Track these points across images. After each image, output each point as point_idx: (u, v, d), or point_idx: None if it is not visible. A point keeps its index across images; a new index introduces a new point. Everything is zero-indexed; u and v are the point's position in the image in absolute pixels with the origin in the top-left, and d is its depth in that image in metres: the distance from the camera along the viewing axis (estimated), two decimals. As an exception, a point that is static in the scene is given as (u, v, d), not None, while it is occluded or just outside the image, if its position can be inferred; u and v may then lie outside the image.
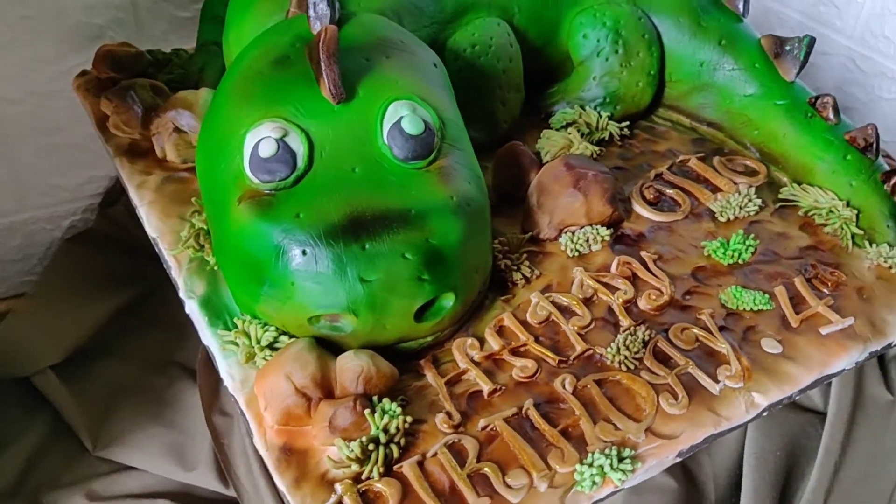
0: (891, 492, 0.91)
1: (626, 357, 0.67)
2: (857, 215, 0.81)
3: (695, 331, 0.70)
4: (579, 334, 0.69)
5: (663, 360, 0.68)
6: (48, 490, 0.88)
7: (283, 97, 0.65)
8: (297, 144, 0.63)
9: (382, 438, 0.58)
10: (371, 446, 0.58)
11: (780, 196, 0.85)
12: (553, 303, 0.71)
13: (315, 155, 0.64)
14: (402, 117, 0.65)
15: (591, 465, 0.59)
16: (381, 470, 0.58)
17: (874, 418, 0.90)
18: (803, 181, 0.86)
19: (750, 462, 0.85)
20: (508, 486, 0.58)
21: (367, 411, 0.59)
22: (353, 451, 0.58)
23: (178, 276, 0.73)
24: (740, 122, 0.91)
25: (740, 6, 0.92)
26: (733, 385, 0.66)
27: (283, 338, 0.65)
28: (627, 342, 0.67)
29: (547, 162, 0.81)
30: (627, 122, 0.92)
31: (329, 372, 0.61)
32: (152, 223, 0.78)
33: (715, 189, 0.85)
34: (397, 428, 0.59)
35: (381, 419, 0.59)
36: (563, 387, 0.65)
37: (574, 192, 0.76)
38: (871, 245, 0.79)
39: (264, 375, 0.62)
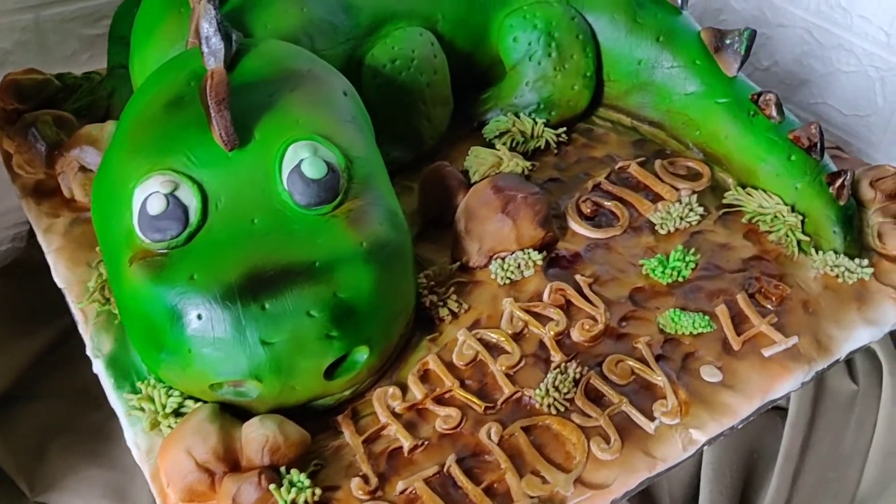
0: (852, 495, 0.88)
1: (555, 399, 0.63)
2: (803, 221, 0.77)
3: (630, 363, 0.66)
4: (507, 375, 0.65)
5: (596, 398, 0.64)
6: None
7: (173, 146, 0.60)
8: (189, 198, 0.59)
9: (290, 520, 0.55)
10: (285, 523, 0.55)
11: (724, 201, 0.81)
12: (481, 340, 0.68)
13: (210, 207, 0.59)
14: (301, 160, 0.60)
15: (513, 528, 0.56)
16: (292, 550, 0.55)
17: (835, 414, 0.87)
18: (748, 184, 0.82)
19: (707, 474, 0.82)
20: (424, 557, 0.55)
21: (272, 486, 0.55)
22: (262, 533, 0.54)
23: (84, 331, 0.69)
24: (681, 121, 0.86)
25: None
26: (669, 422, 0.63)
27: (189, 402, 0.61)
28: (557, 382, 0.64)
29: (475, 182, 0.77)
30: (564, 129, 0.88)
31: (234, 442, 0.58)
32: (59, 272, 0.74)
33: (656, 198, 0.81)
34: (305, 502, 0.56)
35: (289, 493, 0.56)
36: (489, 437, 0.61)
37: (503, 217, 0.72)
38: (817, 252, 0.75)
39: (166, 449, 0.58)
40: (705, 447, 0.63)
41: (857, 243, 0.76)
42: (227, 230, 0.59)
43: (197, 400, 0.61)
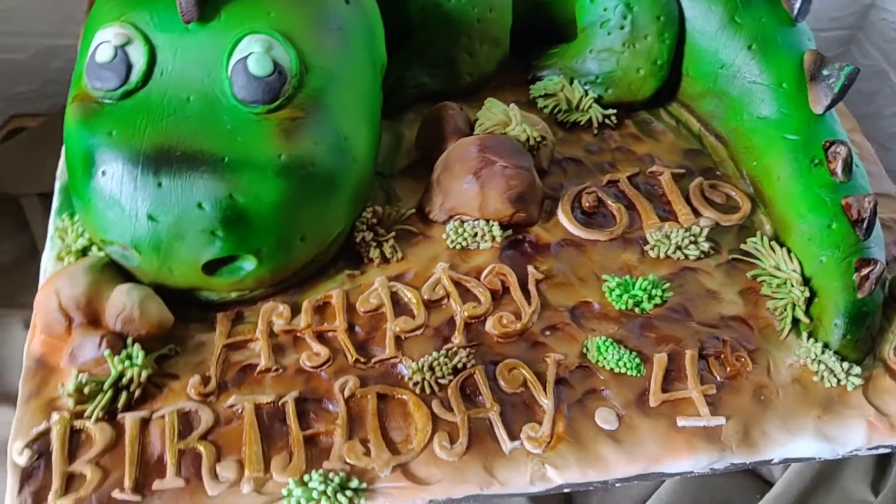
0: None
1: (425, 379, 0.60)
2: (811, 300, 0.66)
3: (525, 374, 0.61)
4: (397, 337, 0.62)
5: (470, 395, 0.60)
6: None
7: (144, 1, 0.60)
8: (138, 57, 0.59)
9: (109, 383, 0.56)
10: (105, 387, 0.56)
11: (743, 246, 0.71)
12: (393, 294, 0.65)
13: (154, 72, 0.59)
14: (250, 54, 0.58)
15: (305, 486, 0.54)
16: (101, 414, 0.56)
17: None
18: (780, 238, 0.71)
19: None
20: (214, 475, 0.55)
21: (107, 352, 0.57)
22: (79, 387, 0.56)
23: (62, 158, 0.72)
24: (743, 145, 0.76)
25: (796, 6, 0.75)
26: (531, 449, 0.58)
27: (95, 248, 0.63)
28: (435, 363, 0.60)
29: (479, 134, 0.72)
30: (615, 111, 0.79)
31: (101, 300, 0.59)
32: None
33: (668, 216, 0.73)
34: (132, 378, 0.57)
35: (121, 364, 0.57)
36: (341, 389, 0.59)
37: (472, 179, 0.67)
38: (808, 340, 0.65)
39: (46, 283, 0.60)
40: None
41: (859, 347, 0.64)
42: (160, 100, 0.59)
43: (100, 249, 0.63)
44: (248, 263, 0.60)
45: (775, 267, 0.69)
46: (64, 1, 1.08)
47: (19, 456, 0.54)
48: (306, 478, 0.54)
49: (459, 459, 0.57)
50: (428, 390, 0.60)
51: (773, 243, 0.70)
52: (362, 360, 0.61)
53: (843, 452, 0.62)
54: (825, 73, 0.71)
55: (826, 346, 0.64)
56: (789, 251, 0.69)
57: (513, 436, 0.58)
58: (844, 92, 0.71)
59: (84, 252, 0.63)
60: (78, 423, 0.56)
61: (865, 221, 0.66)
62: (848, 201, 0.67)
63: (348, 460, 0.56)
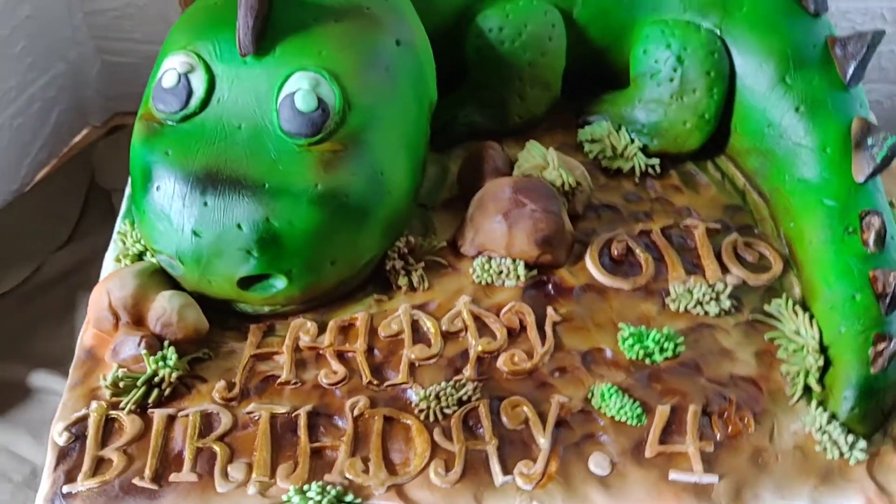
0: None
1: (431, 407, 0.63)
2: (826, 369, 0.66)
3: (528, 413, 0.64)
4: (411, 364, 0.66)
5: (471, 427, 0.63)
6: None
7: (208, 34, 0.66)
8: (198, 84, 0.65)
9: (143, 380, 0.62)
10: (138, 383, 0.62)
11: (766, 308, 0.72)
12: (414, 322, 0.69)
13: (212, 100, 0.65)
14: (298, 90, 0.63)
15: (303, 494, 0.58)
16: (134, 407, 0.62)
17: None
18: (807, 303, 0.71)
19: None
20: (225, 475, 0.60)
21: (145, 352, 0.63)
22: (115, 381, 0.62)
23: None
24: (783, 206, 0.76)
25: (849, 71, 0.75)
26: (521, 485, 0.61)
27: (149, 255, 0.69)
28: (442, 393, 0.64)
29: (515, 175, 0.75)
30: (658, 161, 0.81)
31: (146, 302, 0.65)
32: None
33: (695, 270, 0.74)
34: (163, 377, 0.62)
35: (155, 364, 0.62)
36: (351, 408, 0.63)
37: (501, 219, 0.70)
38: (816, 408, 0.65)
39: (101, 282, 0.67)
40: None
41: (868, 421, 0.64)
42: (215, 126, 0.64)
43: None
44: (280, 282, 0.65)
45: (795, 332, 0.69)
46: (170, 11, 1.17)
47: (59, 436, 0.61)
48: (306, 487, 0.59)
49: (451, 487, 0.60)
50: (432, 418, 0.63)
51: (797, 308, 0.70)
52: (375, 382, 0.65)
53: (834, 526, 0.62)
54: (870, 141, 0.71)
55: (833, 416, 0.64)
56: (812, 317, 0.69)
57: (506, 470, 0.61)
58: (887, 163, 0.71)
59: (140, 257, 0.70)
60: (113, 413, 0.62)
61: (889, 296, 0.65)
62: (875, 274, 0.67)
63: (348, 475, 0.60)
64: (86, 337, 0.67)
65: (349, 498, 0.59)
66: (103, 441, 0.61)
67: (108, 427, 0.62)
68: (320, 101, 0.63)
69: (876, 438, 0.65)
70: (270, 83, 0.64)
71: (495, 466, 0.61)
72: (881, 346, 0.64)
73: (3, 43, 1.13)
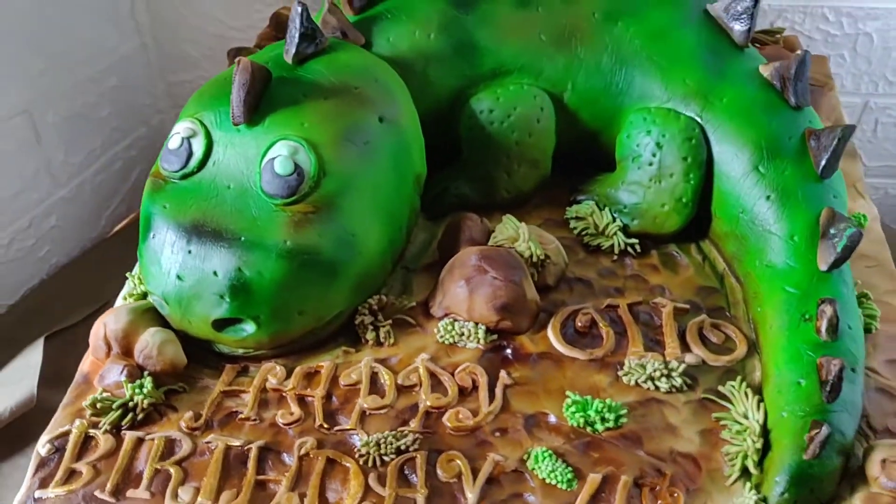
0: None
1: (371, 453, 0.68)
2: (765, 452, 0.67)
3: (461, 467, 0.67)
4: (363, 412, 0.71)
5: (404, 475, 0.67)
6: None
7: (214, 104, 0.75)
8: (198, 147, 0.74)
9: (116, 405, 0.70)
10: (114, 406, 0.70)
11: (719, 388, 0.73)
12: (374, 374, 0.74)
13: (208, 161, 0.73)
14: (278, 155, 0.71)
15: (237, 520, 0.64)
16: (109, 427, 0.69)
17: None
18: (763, 386, 0.72)
19: None
20: (175, 495, 0.66)
21: (125, 379, 0.70)
22: (94, 402, 0.70)
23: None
24: (753, 290, 0.78)
25: (821, 163, 0.76)
26: (442, 534, 0.64)
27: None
28: (383, 441, 0.68)
29: (490, 245, 0.80)
30: (637, 241, 0.84)
31: (136, 336, 0.73)
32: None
33: (654, 346, 0.76)
34: (137, 403, 0.70)
35: (131, 390, 0.70)
36: (300, 447, 0.69)
37: (464, 284, 0.75)
38: (750, 491, 0.66)
39: (102, 315, 0.76)
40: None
41: (800, 509, 0.64)
42: (209, 184, 0.73)
43: (154, 296, 0.77)
44: (249, 326, 0.72)
45: (743, 414, 0.70)
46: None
47: (42, 447, 0.69)
48: (242, 514, 0.64)
49: (373, 530, 0.64)
50: (370, 463, 0.67)
51: (749, 390, 0.71)
52: (326, 425, 0.70)
53: None
54: (832, 231, 0.72)
55: (765, 500, 0.65)
56: (761, 401, 0.70)
57: (428, 520, 0.65)
58: (848, 252, 0.72)
59: (144, 296, 0.79)
60: (92, 432, 0.70)
61: (830, 384, 0.66)
62: (821, 361, 0.67)
63: (284, 508, 0.65)
64: (84, 363, 0.75)
65: (279, 528, 0.64)
66: (79, 455, 0.68)
67: (86, 444, 0.69)
68: (297, 166, 0.71)
69: (812, 527, 0.65)
70: (258, 149, 0.72)
71: (419, 515, 0.65)
72: (815, 431, 0.64)
73: (91, 108, 1.28)
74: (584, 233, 0.85)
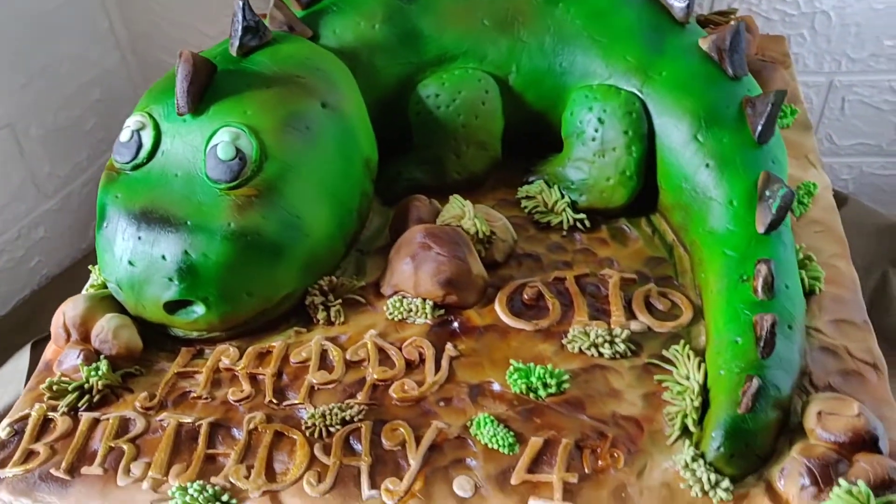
0: None
1: (317, 424, 0.69)
2: (703, 410, 0.68)
3: (405, 435, 0.69)
4: (311, 387, 0.73)
5: (349, 445, 0.69)
6: None
7: (162, 97, 0.78)
8: (147, 139, 0.76)
9: (72, 387, 0.72)
10: (70, 389, 0.72)
11: (663, 353, 0.74)
12: (323, 351, 0.75)
13: (157, 152, 0.76)
14: (221, 141, 0.73)
15: (184, 490, 0.66)
16: (66, 410, 0.72)
17: None
18: (705, 350, 0.73)
19: None
20: (127, 471, 0.68)
21: (81, 363, 0.73)
22: (51, 385, 0.72)
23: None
24: (698, 257, 0.79)
25: (758, 129, 0.77)
26: (385, 499, 0.65)
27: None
28: (328, 413, 0.70)
29: (437, 224, 0.82)
30: (584, 216, 0.85)
31: (93, 322, 0.76)
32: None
33: (600, 315, 0.77)
34: (92, 386, 0.72)
35: (88, 374, 0.72)
36: (249, 422, 0.71)
37: (409, 261, 0.77)
38: (689, 447, 0.66)
39: (64, 303, 0.78)
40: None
41: (736, 463, 0.64)
42: (157, 174, 0.75)
43: (113, 285, 0.80)
44: (199, 308, 0.74)
45: (685, 376, 0.71)
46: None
47: (2, 430, 0.71)
48: (188, 484, 0.66)
49: (321, 496, 0.66)
50: (317, 434, 0.69)
51: (691, 353, 0.72)
52: (275, 401, 0.72)
53: (689, 563, 0.62)
54: (767, 193, 0.73)
55: (702, 457, 0.65)
56: (702, 362, 0.71)
57: (374, 485, 0.66)
58: (782, 213, 0.73)
59: (104, 286, 0.81)
60: (51, 414, 0.72)
61: (763, 339, 0.66)
62: (756, 318, 0.68)
63: (231, 479, 0.67)
64: (48, 351, 0.78)
65: (225, 498, 0.65)
66: (37, 437, 0.71)
67: (45, 426, 0.72)
68: (239, 151, 0.73)
69: (748, 481, 0.65)
70: (202, 137, 0.75)
71: (364, 482, 0.66)
72: (747, 385, 0.65)
73: (77, 121, 1.32)
74: (534, 211, 0.87)
